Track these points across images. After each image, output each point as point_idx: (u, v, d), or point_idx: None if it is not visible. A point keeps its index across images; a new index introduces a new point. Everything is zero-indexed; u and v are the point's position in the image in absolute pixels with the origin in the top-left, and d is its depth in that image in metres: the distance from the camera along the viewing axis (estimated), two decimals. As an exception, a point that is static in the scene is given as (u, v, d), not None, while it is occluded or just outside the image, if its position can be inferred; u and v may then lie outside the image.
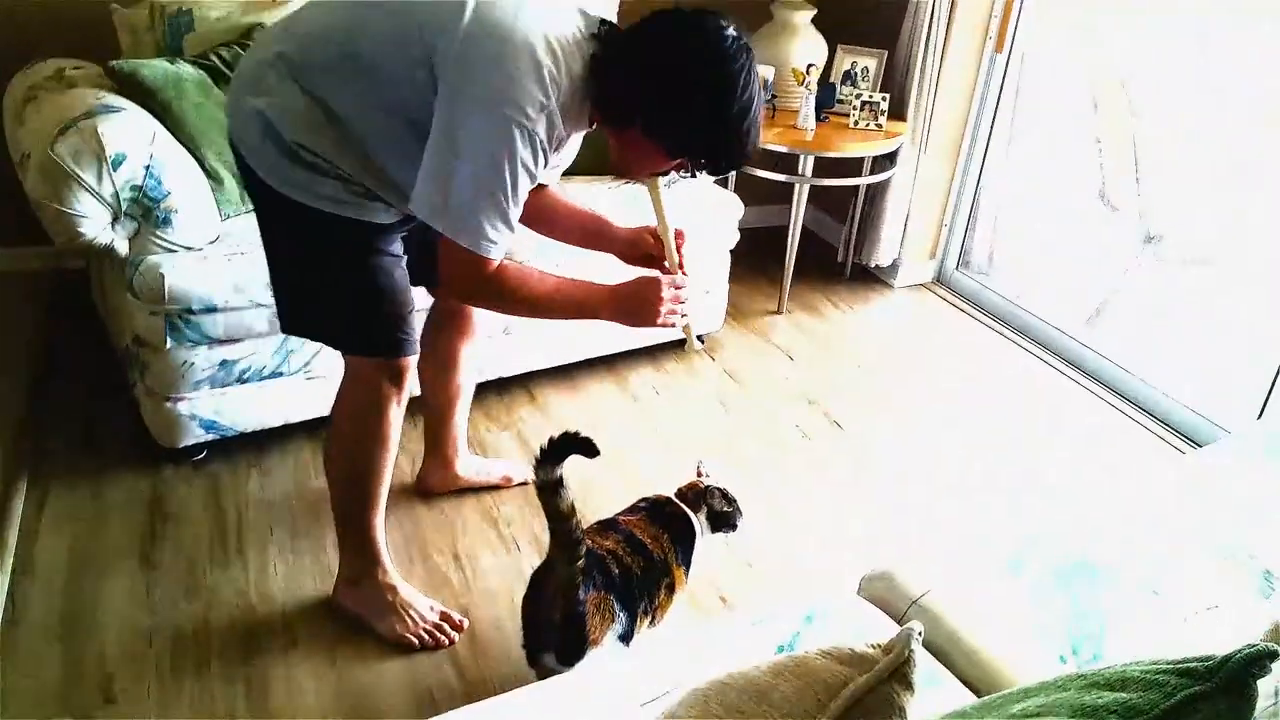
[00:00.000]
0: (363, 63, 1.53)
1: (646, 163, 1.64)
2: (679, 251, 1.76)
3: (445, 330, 2.09)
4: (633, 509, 1.88)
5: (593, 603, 1.64)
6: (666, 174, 1.69)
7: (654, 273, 1.74)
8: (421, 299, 1.87)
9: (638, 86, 1.51)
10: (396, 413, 1.81)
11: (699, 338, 2.08)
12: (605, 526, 1.81)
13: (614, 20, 1.58)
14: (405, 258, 1.76)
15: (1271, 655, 0.75)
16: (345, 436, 1.87)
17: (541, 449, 1.61)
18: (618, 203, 2.62)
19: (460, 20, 1.46)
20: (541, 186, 1.80)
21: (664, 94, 1.50)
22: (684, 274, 1.75)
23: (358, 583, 1.96)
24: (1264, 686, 0.83)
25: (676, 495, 1.90)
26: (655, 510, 1.85)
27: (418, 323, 1.82)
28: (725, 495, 1.91)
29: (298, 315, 1.80)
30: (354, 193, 1.62)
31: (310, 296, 1.76)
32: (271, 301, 2.17)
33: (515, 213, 1.54)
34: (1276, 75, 2.80)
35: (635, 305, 1.68)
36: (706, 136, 1.54)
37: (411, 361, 1.79)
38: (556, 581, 1.63)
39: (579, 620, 1.61)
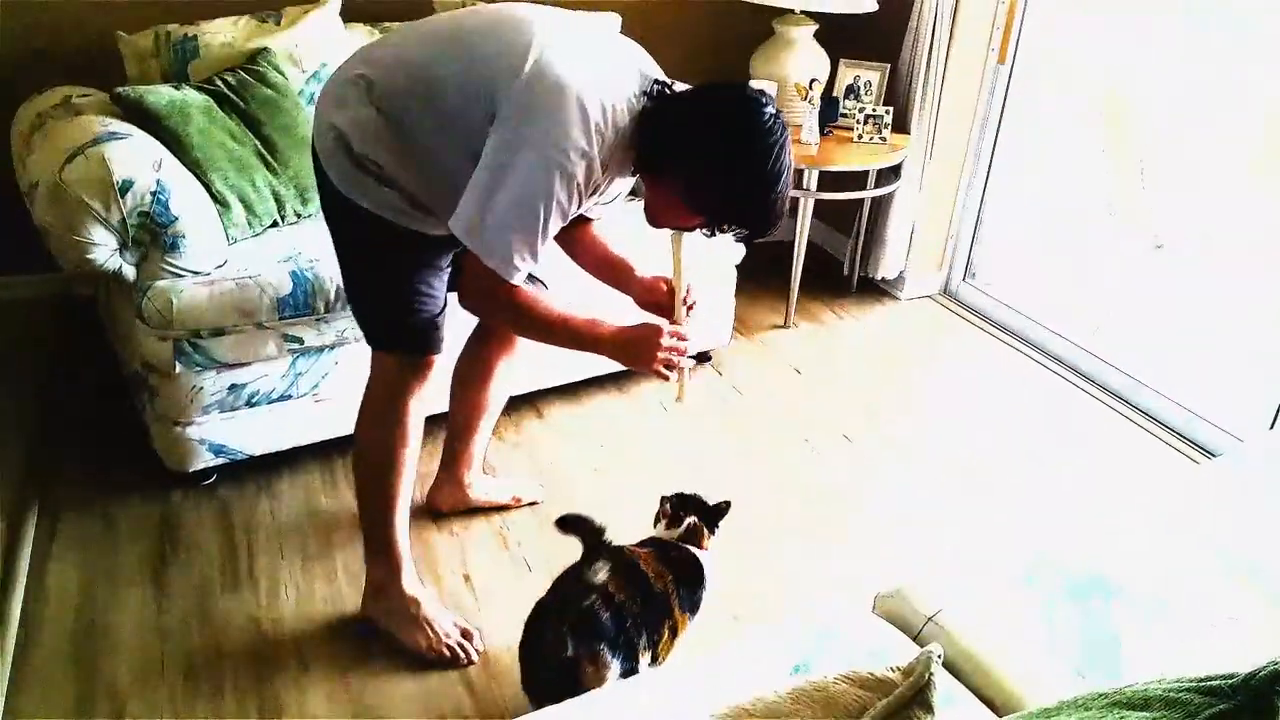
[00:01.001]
0: (434, 93, 1.66)
1: (673, 216, 1.74)
2: (687, 307, 1.86)
3: (487, 342, 2.15)
4: (642, 543, 1.89)
5: (586, 661, 1.64)
6: (690, 230, 1.76)
7: (661, 321, 1.82)
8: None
9: (677, 146, 1.63)
10: (416, 405, 1.90)
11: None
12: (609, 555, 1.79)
13: (668, 81, 1.71)
14: (450, 270, 1.87)
15: (1295, 672, 0.75)
16: (366, 428, 1.94)
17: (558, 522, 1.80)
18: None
19: (524, 66, 1.58)
20: (587, 220, 1.96)
21: (700, 156, 1.62)
22: (686, 327, 1.82)
23: (383, 591, 1.97)
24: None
25: (666, 527, 1.91)
26: (662, 551, 1.85)
27: (449, 326, 1.91)
28: (690, 499, 1.94)
29: (352, 304, 1.95)
30: (412, 204, 1.73)
31: (358, 289, 1.90)
32: (277, 324, 2.25)
33: (543, 245, 1.65)
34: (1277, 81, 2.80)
35: (635, 348, 1.77)
36: (735, 201, 1.65)
37: (435, 358, 1.88)
38: (547, 646, 1.66)
39: (573, 683, 1.60)
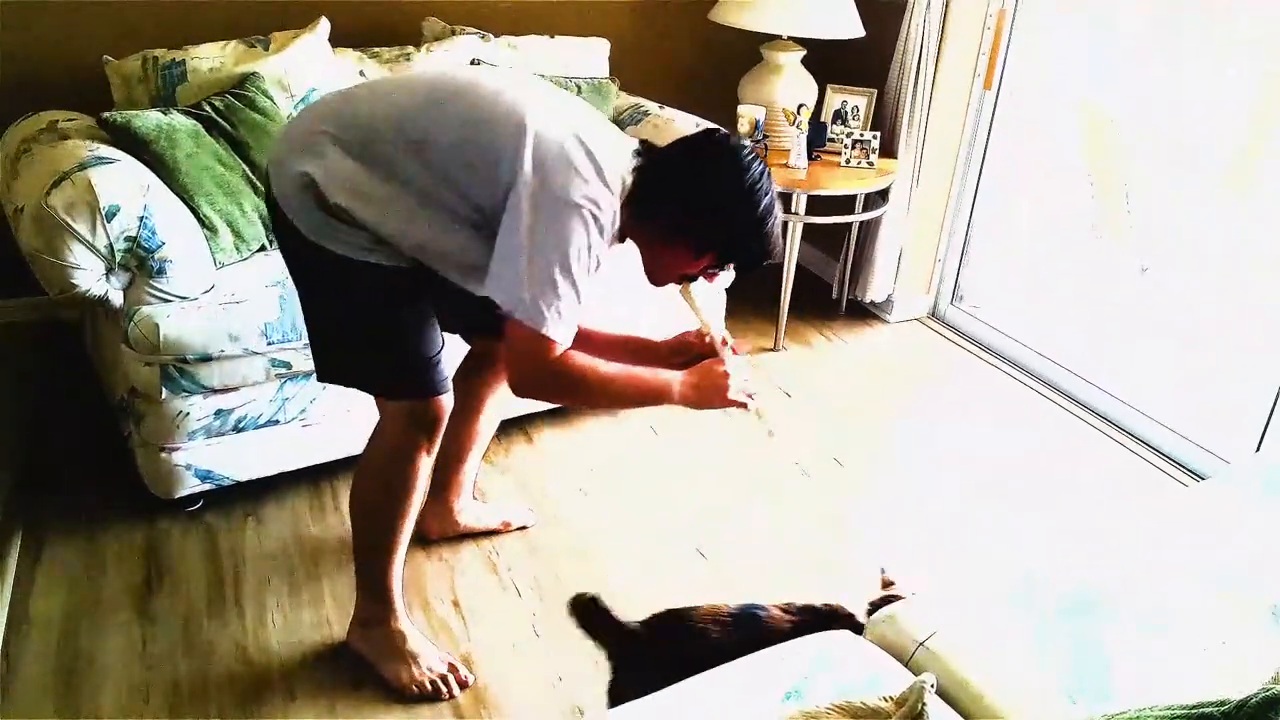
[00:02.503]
0: (430, 156, 1.64)
1: (676, 265, 1.75)
2: (730, 348, 1.83)
3: (479, 374, 2.14)
4: (786, 609, 1.70)
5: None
6: (695, 277, 1.78)
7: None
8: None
9: (671, 192, 1.68)
10: (425, 462, 1.86)
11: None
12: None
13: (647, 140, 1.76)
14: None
15: (1287, 698, 0.74)
16: (372, 479, 1.90)
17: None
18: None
19: (525, 124, 1.60)
20: None
21: (695, 198, 1.67)
22: (735, 363, 1.78)
23: (370, 626, 1.95)
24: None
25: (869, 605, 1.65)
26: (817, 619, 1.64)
27: (449, 366, 1.87)
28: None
29: (333, 362, 1.86)
30: (388, 241, 1.69)
31: (344, 343, 1.82)
32: (265, 349, 2.20)
33: (583, 300, 1.64)
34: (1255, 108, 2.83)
35: (705, 386, 1.74)
36: (740, 238, 1.70)
37: (445, 405, 1.84)
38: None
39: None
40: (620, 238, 1.73)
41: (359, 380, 1.88)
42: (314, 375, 2.26)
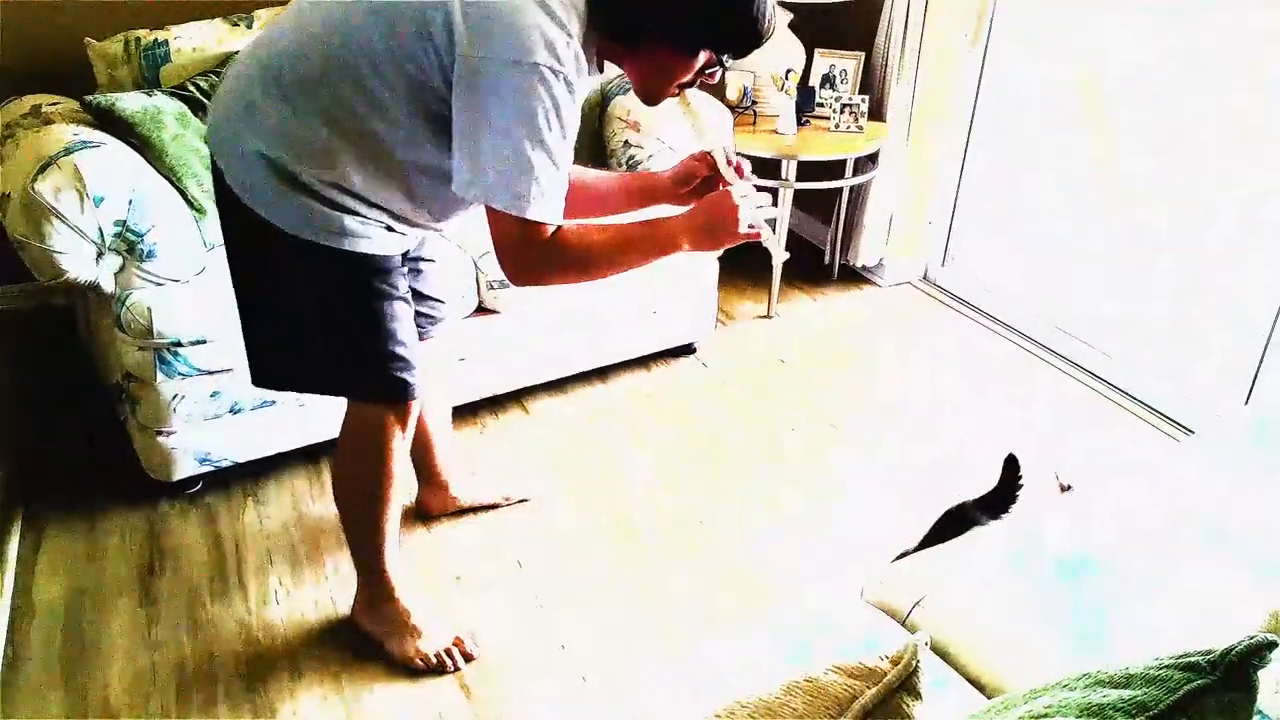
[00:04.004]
0: (357, 63, 1.49)
1: (671, 74, 1.57)
2: (735, 167, 1.66)
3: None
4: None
5: None
6: (693, 83, 1.61)
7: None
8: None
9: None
10: (401, 445, 1.82)
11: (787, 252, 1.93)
12: None
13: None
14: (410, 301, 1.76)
15: (1271, 645, 0.76)
16: (350, 470, 1.87)
17: None
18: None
19: (452, 6, 1.43)
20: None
21: None
22: (744, 184, 1.64)
23: (373, 603, 1.97)
24: (1266, 674, 0.84)
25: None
26: None
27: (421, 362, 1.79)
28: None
29: (292, 366, 1.76)
30: (367, 222, 1.60)
31: (323, 339, 1.71)
32: None
33: (564, 169, 1.49)
34: (1249, 64, 2.82)
35: (715, 221, 1.57)
36: (722, 18, 1.51)
37: (417, 402, 1.79)
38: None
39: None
40: (599, 67, 1.58)
41: (328, 383, 1.80)
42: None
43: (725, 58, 1.56)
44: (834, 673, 0.73)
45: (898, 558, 1.75)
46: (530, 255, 1.52)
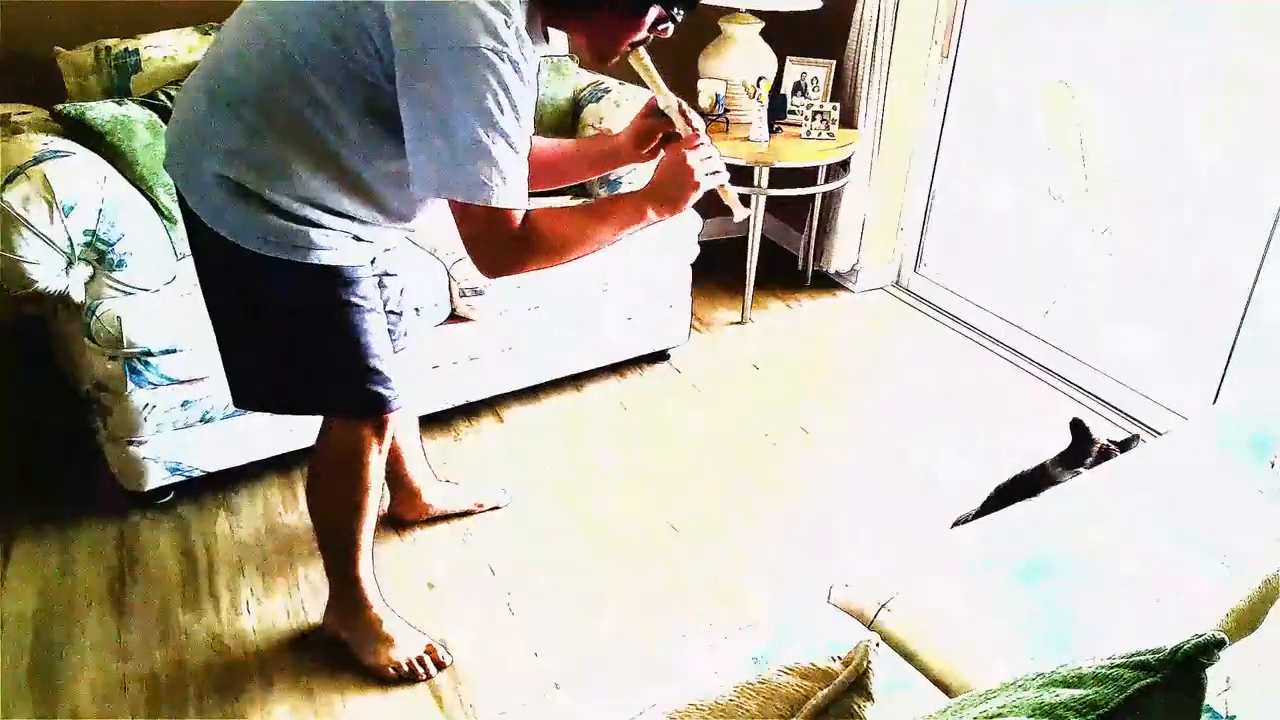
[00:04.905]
0: (295, 67, 1.47)
1: (621, 36, 1.55)
2: (686, 120, 1.65)
3: None
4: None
5: None
6: (646, 40, 1.58)
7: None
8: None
9: None
10: (378, 459, 1.82)
11: (742, 199, 1.89)
12: None
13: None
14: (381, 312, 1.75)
15: (1219, 644, 0.78)
16: (328, 484, 1.87)
17: None
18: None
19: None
20: None
21: None
22: (700, 133, 1.62)
23: (345, 611, 1.96)
24: (1215, 672, 0.86)
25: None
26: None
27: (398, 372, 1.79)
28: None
29: (270, 386, 1.75)
30: (332, 233, 1.59)
31: (289, 362, 1.70)
32: None
33: (523, 153, 1.46)
34: (1210, 66, 2.87)
35: (673, 183, 1.57)
36: None
37: (394, 414, 1.79)
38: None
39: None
40: (545, 36, 1.55)
41: (308, 403, 1.79)
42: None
43: (675, 11, 1.53)
44: (787, 674, 0.74)
45: (956, 523, 1.94)
46: (501, 245, 1.49)
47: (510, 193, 1.44)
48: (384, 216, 1.65)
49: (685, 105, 1.66)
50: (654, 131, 1.71)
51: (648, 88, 1.67)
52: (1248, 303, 2.63)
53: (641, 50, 1.61)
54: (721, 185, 1.62)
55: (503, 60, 1.37)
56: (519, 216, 1.48)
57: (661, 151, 1.71)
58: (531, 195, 1.52)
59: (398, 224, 1.70)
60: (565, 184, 1.88)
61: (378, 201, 1.61)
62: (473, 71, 1.36)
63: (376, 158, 1.54)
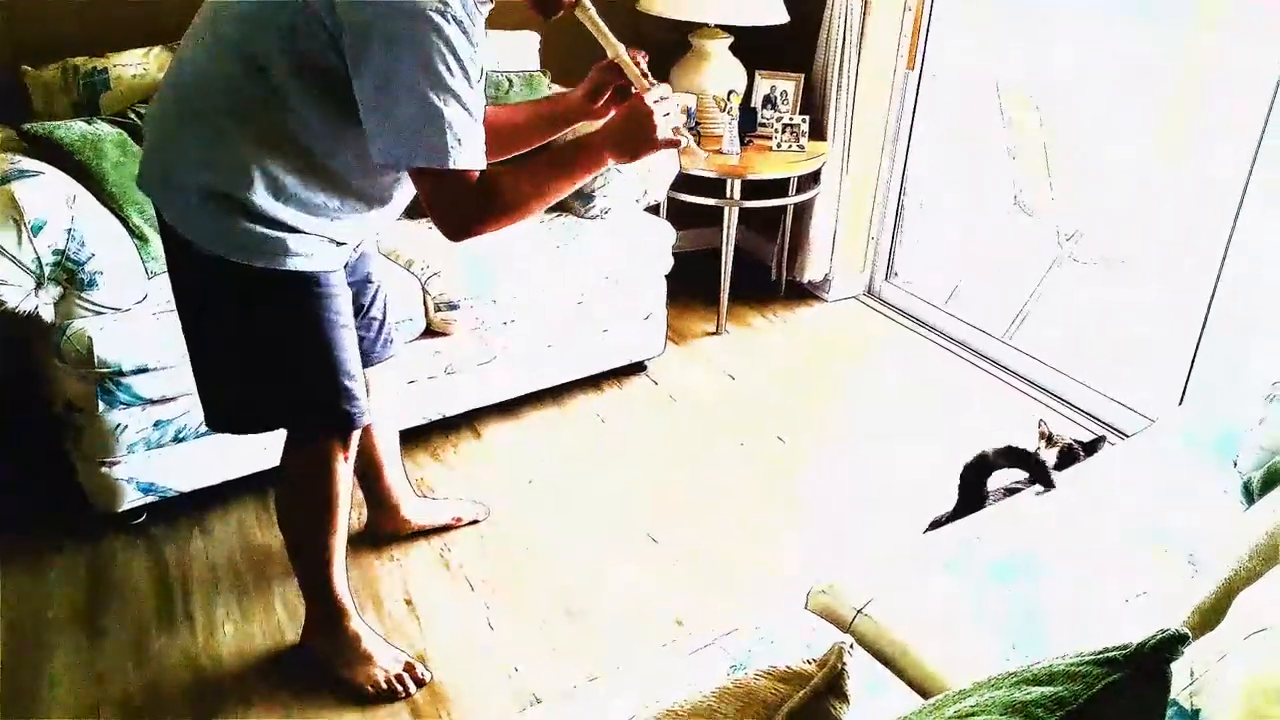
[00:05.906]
0: (261, 68, 1.47)
1: None
2: (639, 65, 1.65)
3: None
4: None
5: None
6: None
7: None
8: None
9: None
10: (345, 470, 1.82)
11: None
12: None
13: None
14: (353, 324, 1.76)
15: (1182, 639, 0.80)
16: (296, 499, 1.87)
17: None
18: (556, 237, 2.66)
19: None
20: None
21: None
22: (659, 87, 1.61)
23: (323, 629, 1.95)
24: (1180, 667, 0.88)
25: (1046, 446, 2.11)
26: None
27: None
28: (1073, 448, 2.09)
29: (244, 406, 1.76)
30: (308, 237, 1.60)
31: (263, 379, 1.71)
32: None
33: (477, 112, 1.47)
34: (1172, 81, 2.93)
35: (633, 130, 1.56)
36: None
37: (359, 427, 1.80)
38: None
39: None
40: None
41: (278, 418, 1.78)
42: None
43: None
44: (763, 678, 0.75)
45: (930, 526, 2.01)
46: (463, 206, 1.50)
47: (467, 153, 1.45)
48: (361, 203, 1.65)
49: (637, 55, 1.65)
50: (606, 85, 1.71)
51: (596, 40, 1.65)
52: (1210, 305, 2.68)
53: (586, 2, 1.61)
54: (676, 128, 1.60)
55: (448, 21, 1.38)
56: (477, 175, 1.49)
57: (614, 109, 1.72)
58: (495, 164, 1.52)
59: (376, 208, 1.69)
60: (523, 149, 1.85)
61: (352, 189, 1.62)
62: (419, 34, 1.37)
63: (342, 144, 1.55)
